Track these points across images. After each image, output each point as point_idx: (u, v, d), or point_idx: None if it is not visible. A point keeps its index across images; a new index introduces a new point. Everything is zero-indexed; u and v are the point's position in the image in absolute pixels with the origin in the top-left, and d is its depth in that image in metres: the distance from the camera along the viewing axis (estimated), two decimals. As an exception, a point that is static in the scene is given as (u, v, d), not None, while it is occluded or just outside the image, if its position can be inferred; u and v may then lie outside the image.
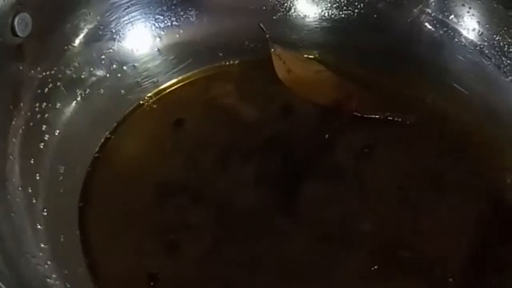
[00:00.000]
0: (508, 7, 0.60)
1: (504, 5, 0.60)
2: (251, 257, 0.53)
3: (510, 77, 0.60)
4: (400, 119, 0.60)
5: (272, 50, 0.64)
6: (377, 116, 0.60)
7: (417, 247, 0.53)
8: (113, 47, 0.61)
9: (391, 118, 0.60)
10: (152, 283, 0.51)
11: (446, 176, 0.57)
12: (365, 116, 0.60)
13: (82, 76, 0.59)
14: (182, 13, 0.64)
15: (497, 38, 0.61)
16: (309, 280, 0.52)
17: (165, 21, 0.63)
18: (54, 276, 0.50)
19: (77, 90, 0.58)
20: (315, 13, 0.66)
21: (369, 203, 0.56)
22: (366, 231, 0.54)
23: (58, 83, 0.57)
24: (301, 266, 0.53)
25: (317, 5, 0.65)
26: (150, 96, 0.62)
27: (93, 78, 0.60)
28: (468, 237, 0.54)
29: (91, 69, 0.59)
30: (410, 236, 0.54)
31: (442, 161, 0.58)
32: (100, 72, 0.60)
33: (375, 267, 0.52)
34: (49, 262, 0.50)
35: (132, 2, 0.62)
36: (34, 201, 0.52)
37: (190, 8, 0.64)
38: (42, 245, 0.51)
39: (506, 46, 0.60)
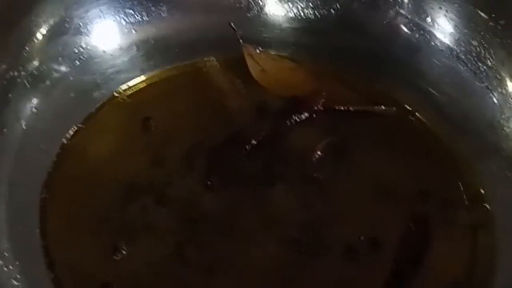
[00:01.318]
0: (486, 12, 0.59)
1: (482, 10, 0.59)
2: (213, 261, 0.52)
3: (485, 83, 0.59)
4: (380, 112, 0.60)
5: (244, 49, 0.63)
6: (351, 109, 0.60)
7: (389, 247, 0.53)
8: (79, 42, 0.59)
9: (371, 111, 0.60)
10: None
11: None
12: (338, 108, 0.60)
13: (45, 72, 0.57)
14: (153, 8, 0.62)
15: (474, 43, 0.59)
16: (269, 282, 0.51)
17: (136, 16, 0.62)
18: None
19: (40, 86, 0.57)
20: (289, 12, 0.64)
21: (339, 204, 0.55)
22: (335, 234, 0.53)
23: (19, 79, 0.55)
24: (264, 271, 0.52)
25: (291, 4, 0.64)
26: (118, 93, 0.60)
27: (57, 74, 0.58)
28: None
29: (55, 64, 0.58)
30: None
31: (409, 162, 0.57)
32: (64, 68, 0.58)
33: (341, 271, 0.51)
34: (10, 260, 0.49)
35: (101, -5, 0.60)
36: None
37: (161, 4, 0.62)
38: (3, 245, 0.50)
39: (482, 51, 0.59)
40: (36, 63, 0.56)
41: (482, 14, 0.59)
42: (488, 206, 0.55)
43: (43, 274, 0.50)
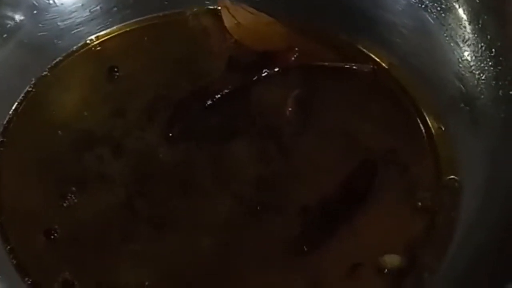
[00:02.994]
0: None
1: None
2: (163, 215, 0.51)
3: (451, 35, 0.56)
4: (353, 69, 0.57)
5: (220, 1, 0.61)
6: (325, 64, 0.58)
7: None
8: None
9: (344, 67, 0.57)
10: (51, 237, 0.50)
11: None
12: (311, 64, 0.57)
13: (1, 21, 0.56)
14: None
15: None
16: (219, 239, 0.49)
17: (107, -37, 0.61)
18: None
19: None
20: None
21: (301, 162, 0.53)
22: (291, 194, 0.51)
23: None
24: (215, 227, 0.50)
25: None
26: (86, 43, 0.59)
27: (14, 22, 0.57)
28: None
29: (13, 12, 0.57)
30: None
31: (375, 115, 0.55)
32: (22, 17, 0.57)
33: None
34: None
35: None
36: None
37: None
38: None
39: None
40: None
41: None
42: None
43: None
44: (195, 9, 0.61)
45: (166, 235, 0.50)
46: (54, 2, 0.59)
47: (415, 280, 0.47)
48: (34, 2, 0.58)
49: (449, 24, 0.56)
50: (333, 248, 0.49)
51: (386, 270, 0.48)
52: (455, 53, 0.55)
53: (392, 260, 0.48)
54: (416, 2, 0.57)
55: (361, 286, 0.47)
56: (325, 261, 0.48)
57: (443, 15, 0.56)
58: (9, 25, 0.57)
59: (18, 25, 0.57)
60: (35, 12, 0.58)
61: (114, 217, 0.51)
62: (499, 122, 0.52)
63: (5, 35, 0.57)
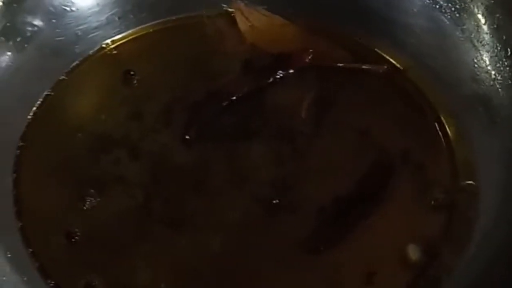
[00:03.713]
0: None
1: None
2: (180, 216, 0.51)
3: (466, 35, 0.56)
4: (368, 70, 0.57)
5: (234, 4, 0.61)
6: (340, 65, 0.58)
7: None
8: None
9: (359, 68, 0.58)
10: (72, 240, 0.50)
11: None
12: (326, 65, 0.58)
13: (20, 27, 0.57)
14: (141, -38, 0.62)
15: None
16: (236, 239, 0.50)
17: (123, -32, 0.61)
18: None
19: (16, 40, 0.57)
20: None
21: (316, 163, 0.53)
22: (307, 194, 0.51)
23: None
24: (231, 228, 0.50)
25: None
26: (102, 47, 0.60)
27: (34, 28, 0.58)
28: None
29: (32, 18, 0.58)
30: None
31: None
32: (41, 22, 0.58)
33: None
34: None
35: None
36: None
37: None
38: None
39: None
40: (9, 17, 0.56)
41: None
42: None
43: (11, 222, 0.51)
44: (209, 12, 0.61)
45: (183, 235, 0.50)
46: (70, 8, 0.60)
47: (432, 279, 0.48)
48: (51, 9, 0.59)
49: (464, 25, 0.56)
50: (349, 247, 0.49)
51: (403, 268, 0.48)
52: (471, 53, 0.55)
53: (409, 257, 0.48)
54: (430, 3, 0.58)
55: (377, 285, 0.48)
56: (341, 260, 0.48)
57: (458, 15, 0.56)
58: (28, 32, 0.58)
59: (37, 31, 0.58)
60: (52, 18, 0.59)
61: (132, 218, 0.51)
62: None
63: (24, 41, 0.58)
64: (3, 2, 0.56)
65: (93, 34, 0.60)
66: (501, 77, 0.53)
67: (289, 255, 0.49)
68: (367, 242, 0.49)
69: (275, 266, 0.49)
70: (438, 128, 0.55)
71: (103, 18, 0.60)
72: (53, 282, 0.49)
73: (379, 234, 0.49)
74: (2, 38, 0.56)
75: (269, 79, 0.57)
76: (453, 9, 0.56)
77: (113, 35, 0.61)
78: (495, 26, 0.54)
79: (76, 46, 0.59)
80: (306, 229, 0.50)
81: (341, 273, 0.48)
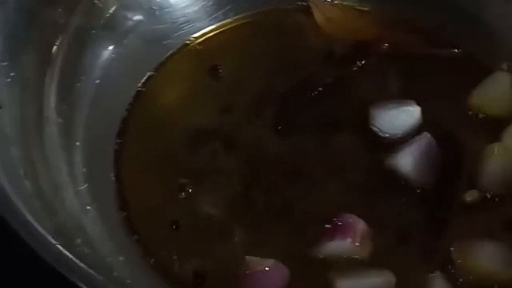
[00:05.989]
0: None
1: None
2: (279, 204, 0.53)
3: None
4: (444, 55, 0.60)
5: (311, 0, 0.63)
6: (418, 51, 0.60)
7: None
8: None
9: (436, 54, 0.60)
10: (174, 227, 0.52)
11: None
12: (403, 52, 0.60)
13: (118, 21, 0.59)
14: (229, -42, 0.63)
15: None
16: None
17: (209, -35, 0.63)
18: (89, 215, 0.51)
19: (115, 34, 0.59)
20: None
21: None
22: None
23: (94, 29, 0.57)
24: (328, 214, 0.52)
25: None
26: (188, 42, 0.62)
27: (130, 23, 0.60)
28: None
29: (128, 13, 0.60)
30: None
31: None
32: (136, 17, 0.60)
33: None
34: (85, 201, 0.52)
35: None
36: (71, 142, 0.54)
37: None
38: (80, 187, 0.52)
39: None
40: (109, 12, 0.58)
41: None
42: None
43: (116, 213, 0.53)
44: (288, 6, 0.64)
45: (283, 223, 0.52)
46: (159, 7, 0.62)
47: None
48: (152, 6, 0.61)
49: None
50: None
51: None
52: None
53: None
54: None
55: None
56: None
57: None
58: (126, 25, 0.60)
59: (135, 24, 0.60)
60: (149, 14, 0.61)
61: (233, 207, 0.53)
62: None
63: (123, 32, 0.60)
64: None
65: (179, 31, 0.62)
66: None
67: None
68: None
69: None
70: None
71: (187, 15, 0.62)
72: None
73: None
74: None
75: (351, 67, 0.60)
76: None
77: (197, 30, 0.62)
78: None
79: (164, 42, 0.61)
80: (406, 217, 0.52)
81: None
